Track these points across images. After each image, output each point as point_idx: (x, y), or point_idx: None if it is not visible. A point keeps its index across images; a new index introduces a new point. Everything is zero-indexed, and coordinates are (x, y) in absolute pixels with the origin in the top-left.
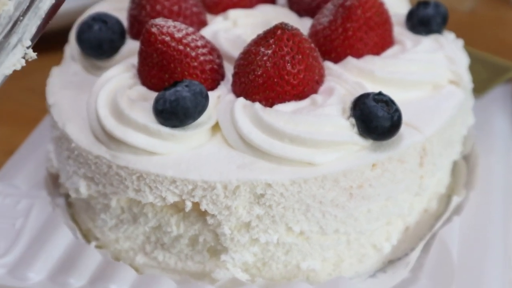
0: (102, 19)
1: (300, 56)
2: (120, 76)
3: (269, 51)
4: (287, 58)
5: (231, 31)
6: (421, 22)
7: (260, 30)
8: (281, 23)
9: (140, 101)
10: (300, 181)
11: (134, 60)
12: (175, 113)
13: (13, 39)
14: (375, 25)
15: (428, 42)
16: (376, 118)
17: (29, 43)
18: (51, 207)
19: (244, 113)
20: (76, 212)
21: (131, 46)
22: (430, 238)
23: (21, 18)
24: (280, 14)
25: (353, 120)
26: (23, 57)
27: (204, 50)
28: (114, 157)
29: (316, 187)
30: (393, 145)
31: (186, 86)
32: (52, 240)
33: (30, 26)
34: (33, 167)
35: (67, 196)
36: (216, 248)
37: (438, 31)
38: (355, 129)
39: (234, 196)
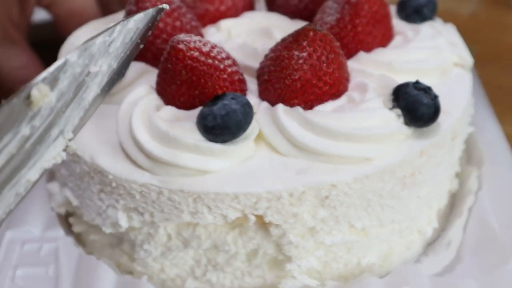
0: None
1: (333, 56)
2: (145, 99)
3: (304, 54)
4: (323, 58)
5: (232, 41)
6: (416, 11)
7: (258, 37)
8: (310, 25)
9: (178, 121)
10: (362, 177)
11: (146, 81)
12: (227, 128)
13: (54, 131)
14: (381, 18)
15: (426, 29)
16: (421, 106)
17: (71, 135)
18: (76, 247)
19: (291, 118)
20: (97, 249)
21: (136, 67)
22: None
23: (64, 109)
24: (271, 19)
25: (398, 110)
26: (64, 150)
27: (229, 62)
28: (164, 182)
29: (377, 181)
30: (433, 131)
31: (232, 98)
32: (97, 280)
33: (73, 117)
34: (38, 209)
35: (77, 234)
36: (277, 258)
37: (431, 17)
38: (401, 119)
39: (299, 202)
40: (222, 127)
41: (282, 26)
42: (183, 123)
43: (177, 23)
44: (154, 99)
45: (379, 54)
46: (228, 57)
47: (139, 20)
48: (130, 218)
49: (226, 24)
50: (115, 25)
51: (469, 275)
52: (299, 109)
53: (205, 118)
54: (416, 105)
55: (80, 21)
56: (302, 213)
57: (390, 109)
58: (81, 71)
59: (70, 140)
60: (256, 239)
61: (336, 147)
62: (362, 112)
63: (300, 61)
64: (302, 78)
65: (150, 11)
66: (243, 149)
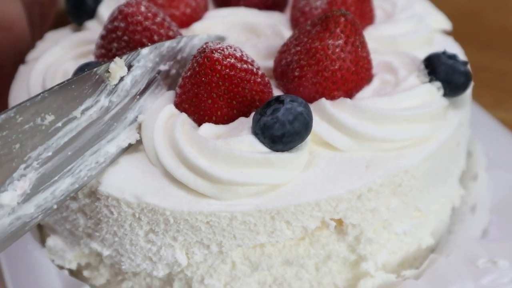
0: None
1: (363, 39)
2: (178, 121)
3: (341, 41)
4: (357, 43)
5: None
6: None
7: (241, 34)
8: (334, 11)
9: (231, 138)
10: (428, 157)
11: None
12: (298, 133)
13: (130, 115)
14: None
15: (399, 0)
16: (460, 75)
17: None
18: None
19: (342, 111)
20: None
21: None
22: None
23: (138, 97)
24: (242, 14)
25: (438, 83)
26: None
27: (256, 63)
28: (236, 206)
29: (439, 159)
30: (462, 99)
31: (292, 101)
32: None
33: (145, 107)
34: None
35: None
36: (349, 260)
37: None
38: (441, 91)
39: (377, 196)
40: (293, 133)
41: (259, 19)
42: (241, 138)
43: (171, 33)
44: (185, 118)
45: (375, 31)
46: (252, 58)
47: (203, 39)
48: (192, 253)
49: (199, 26)
50: (182, 37)
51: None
52: (346, 100)
53: (271, 127)
54: (455, 75)
55: (8, 35)
56: (379, 206)
57: (429, 82)
58: (152, 67)
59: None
60: (329, 245)
61: (399, 131)
62: (408, 92)
63: (337, 50)
64: (342, 67)
65: (213, 36)
66: (305, 153)
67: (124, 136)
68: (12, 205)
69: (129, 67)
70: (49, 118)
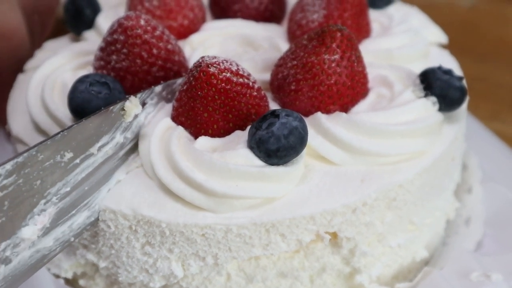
0: (100, 81)
1: (359, 54)
2: (175, 134)
3: (336, 56)
4: (353, 58)
5: (218, 54)
6: None
7: (238, 46)
8: (330, 25)
9: (227, 151)
10: (422, 171)
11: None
12: (293, 147)
13: None
14: (363, 8)
15: (395, 12)
16: (455, 90)
17: None
18: None
19: (337, 125)
20: None
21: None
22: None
23: None
24: (238, 26)
25: (433, 98)
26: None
27: (252, 77)
28: (231, 219)
29: (434, 174)
30: (457, 114)
31: (287, 115)
32: None
33: None
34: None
35: None
36: (343, 273)
37: (392, 0)
38: (436, 106)
39: (371, 210)
40: (288, 148)
41: (256, 31)
42: (237, 152)
43: (169, 46)
44: (182, 131)
45: (371, 44)
46: (248, 72)
47: None
48: (188, 265)
49: (197, 38)
50: None
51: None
52: (342, 114)
53: (266, 141)
54: (450, 90)
55: (7, 44)
56: (374, 220)
57: (424, 97)
58: (164, 103)
59: None
60: (324, 258)
61: (394, 146)
62: (403, 107)
63: (333, 65)
64: (338, 82)
65: None
66: (300, 167)
67: (134, 166)
68: (32, 239)
69: (143, 104)
70: (68, 155)
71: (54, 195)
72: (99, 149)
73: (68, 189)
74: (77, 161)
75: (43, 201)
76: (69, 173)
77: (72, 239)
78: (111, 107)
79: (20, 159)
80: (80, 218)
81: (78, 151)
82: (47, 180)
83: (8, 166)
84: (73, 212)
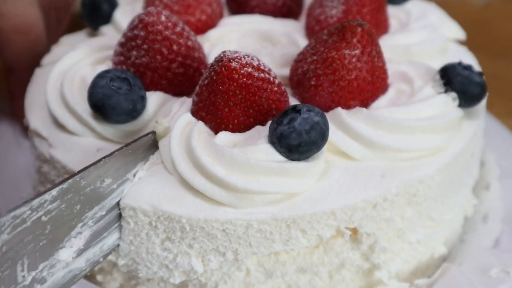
0: (120, 77)
1: (379, 49)
2: (195, 129)
3: (357, 51)
4: (373, 53)
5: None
6: None
7: (256, 42)
8: (351, 20)
9: (247, 146)
10: (443, 167)
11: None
12: (314, 142)
13: None
14: (382, 3)
15: (413, 8)
16: (475, 86)
17: None
18: None
19: (358, 120)
20: None
21: (154, 98)
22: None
23: None
24: (256, 21)
25: (453, 93)
26: None
27: (273, 72)
28: (252, 214)
29: (454, 169)
30: (476, 110)
31: (308, 110)
32: None
33: None
34: None
35: None
36: (362, 268)
37: None
38: (456, 102)
39: (392, 205)
40: (309, 143)
41: (274, 27)
42: (258, 147)
43: (189, 43)
44: (202, 126)
45: (389, 40)
46: (269, 67)
47: None
48: (208, 261)
49: (215, 34)
50: None
51: None
52: (362, 110)
53: (287, 137)
54: (471, 85)
55: (25, 39)
56: (394, 216)
57: (445, 92)
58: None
59: None
60: (343, 253)
61: (414, 142)
62: (423, 102)
63: (354, 60)
64: (358, 77)
65: None
66: (321, 163)
67: None
68: (68, 261)
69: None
70: (107, 181)
71: (91, 218)
72: (134, 174)
73: (103, 212)
74: (114, 186)
75: (80, 224)
76: (106, 197)
77: (101, 259)
78: (150, 135)
79: (65, 185)
80: (110, 240)
81: (116, 176)
82: (86, 205)
83: (54, 192)
84: (105, 234)
